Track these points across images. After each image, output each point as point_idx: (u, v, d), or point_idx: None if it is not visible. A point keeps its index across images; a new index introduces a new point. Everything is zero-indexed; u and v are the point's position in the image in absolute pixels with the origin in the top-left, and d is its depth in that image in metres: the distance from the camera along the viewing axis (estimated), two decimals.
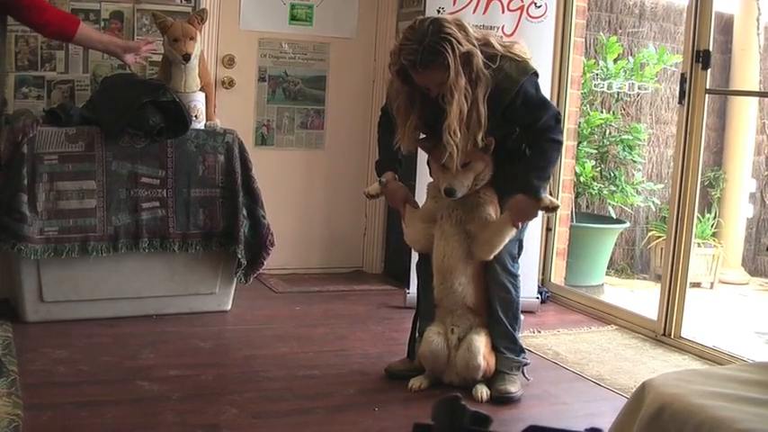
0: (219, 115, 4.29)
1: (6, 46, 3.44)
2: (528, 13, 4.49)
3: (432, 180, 3.37)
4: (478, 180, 3.22)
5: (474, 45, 3.04)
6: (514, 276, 3.35)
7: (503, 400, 3.25)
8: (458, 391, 3.07)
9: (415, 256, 3.85)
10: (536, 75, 3.20)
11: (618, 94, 6.29)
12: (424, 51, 2.97)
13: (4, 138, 3.77)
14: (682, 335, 4.14)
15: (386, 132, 3.39)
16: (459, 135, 3.04)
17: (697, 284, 6.07)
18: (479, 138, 3.08)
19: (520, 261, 3.42)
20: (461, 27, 3.06)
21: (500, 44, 3.17)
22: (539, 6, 4.49)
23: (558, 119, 3.20)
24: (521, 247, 3.43)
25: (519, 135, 3.23)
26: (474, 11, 4.45)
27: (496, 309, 3.34)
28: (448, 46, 2.97)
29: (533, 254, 4.53)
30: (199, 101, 4.09)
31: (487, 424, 1.18)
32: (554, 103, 4.71)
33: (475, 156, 3.15)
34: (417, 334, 3.49)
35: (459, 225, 3.26)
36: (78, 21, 3.74)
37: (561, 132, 3.22)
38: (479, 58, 3.03)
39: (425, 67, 3.00)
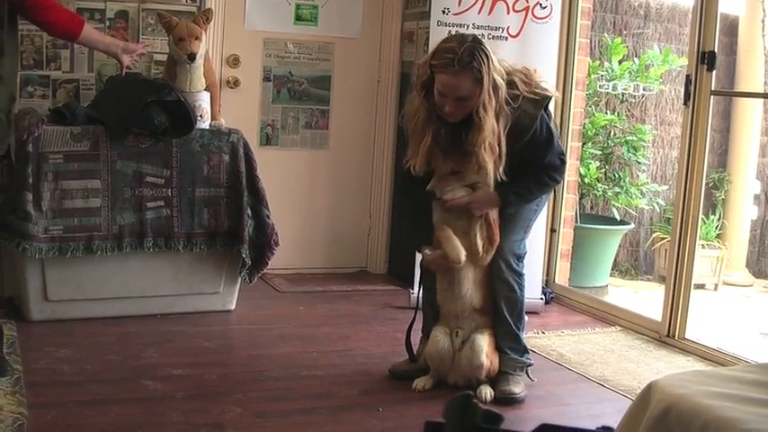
0: (224, 115, 4.30)
1: (18, 45, 3.47)
2: (533, 14, 4.49)
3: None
4: (476, 188, 3.23)
5: (503, 79, 3.09)
6: (519, 275, 3.35)
7: (507, 400, 3.25)
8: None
9: (418, 257, 3.85)
10: (550, 101, 3.25)
11: (623, 95, 6.28)
12: (465, 51, 3.00)
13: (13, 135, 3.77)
14: (686, 336, 4.14)
15: (413, 199, 3.37)
16: (495, 151, 3.06)
17: (701, 286, 6.06)
18: (500, 171, 3.11)
19: (525, 261, 3.42)
20: (496, 59, 3.09)
21: (523, 83, 3.18)
22: (544, 7, 4.49)
23: (563, 159, 3.27)
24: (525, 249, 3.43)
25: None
26: (479, 11, 4.45)
27: (501, 308, 3.34)
28: (485, 58, 3.02)
29: (537, 255, 4.53)
30: (204, 100, 4.09)
31: (499, 422, 1.19)
32: (559, 102, 4.73)
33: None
34: (422, 335, 3.49)
35: (464, 237, 3.24)
36: (83, 21, 3.75)
37: (563, 173, 3.33)
38: (504, 92, 3.08)
39: (463, 66, 3.00)
